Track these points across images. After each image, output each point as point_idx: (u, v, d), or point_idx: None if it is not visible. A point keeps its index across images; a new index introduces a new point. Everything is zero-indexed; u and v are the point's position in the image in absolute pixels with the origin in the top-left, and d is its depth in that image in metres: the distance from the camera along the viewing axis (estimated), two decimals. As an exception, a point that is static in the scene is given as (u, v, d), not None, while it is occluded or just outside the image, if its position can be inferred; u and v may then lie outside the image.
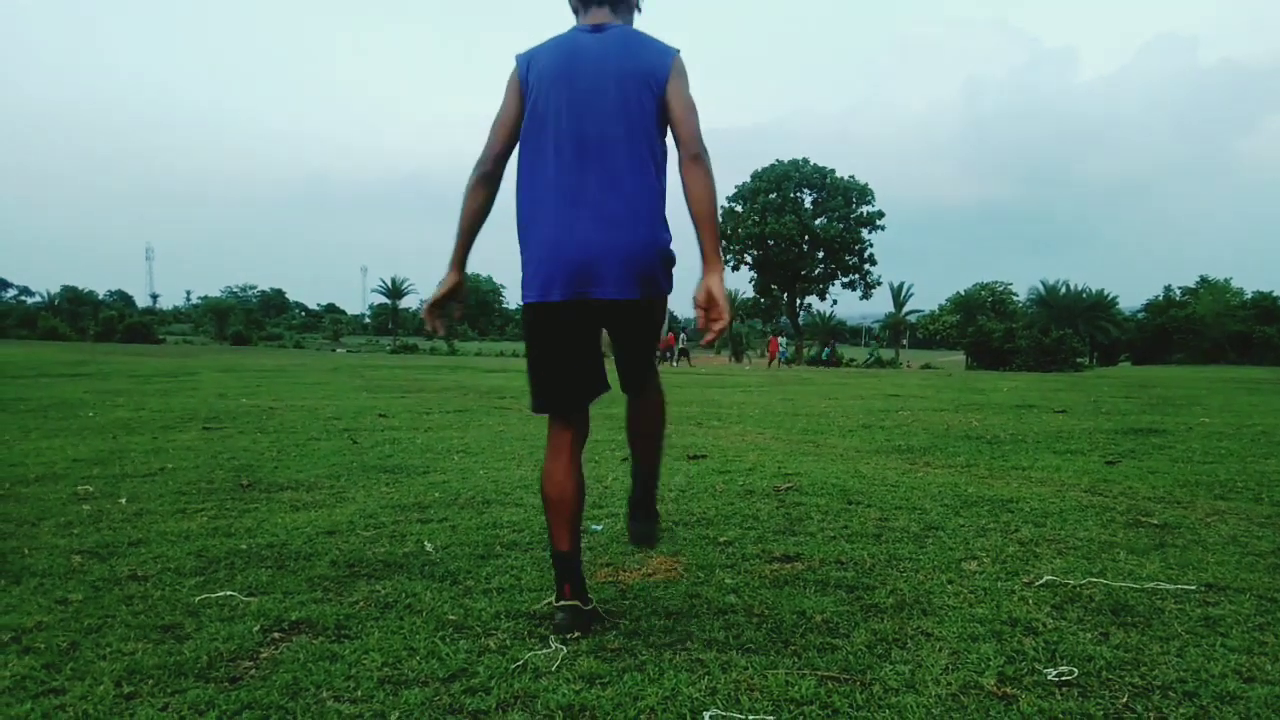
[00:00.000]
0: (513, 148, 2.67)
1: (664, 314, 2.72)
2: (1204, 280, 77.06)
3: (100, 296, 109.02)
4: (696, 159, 2.53)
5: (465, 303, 2.74)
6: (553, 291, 2.53)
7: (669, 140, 2.64)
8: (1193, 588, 2.98)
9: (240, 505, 4.35)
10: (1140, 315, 78.45)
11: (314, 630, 2.55)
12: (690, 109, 2.58)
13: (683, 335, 42.25)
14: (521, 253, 2.63)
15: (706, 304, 2.45)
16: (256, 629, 2.54)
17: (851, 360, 52.60)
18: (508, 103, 2.67)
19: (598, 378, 2.68)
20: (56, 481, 4.94)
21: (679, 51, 2.64)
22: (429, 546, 3.50)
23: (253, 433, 7.44)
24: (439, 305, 2.71)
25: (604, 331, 2.69)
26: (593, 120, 2.55)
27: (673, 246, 2.62)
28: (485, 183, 2.67)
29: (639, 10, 2.80)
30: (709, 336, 2.45)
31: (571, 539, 2.63)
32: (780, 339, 46.81)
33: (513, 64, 2.70)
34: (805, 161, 60.63)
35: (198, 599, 2.82)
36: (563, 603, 2.59)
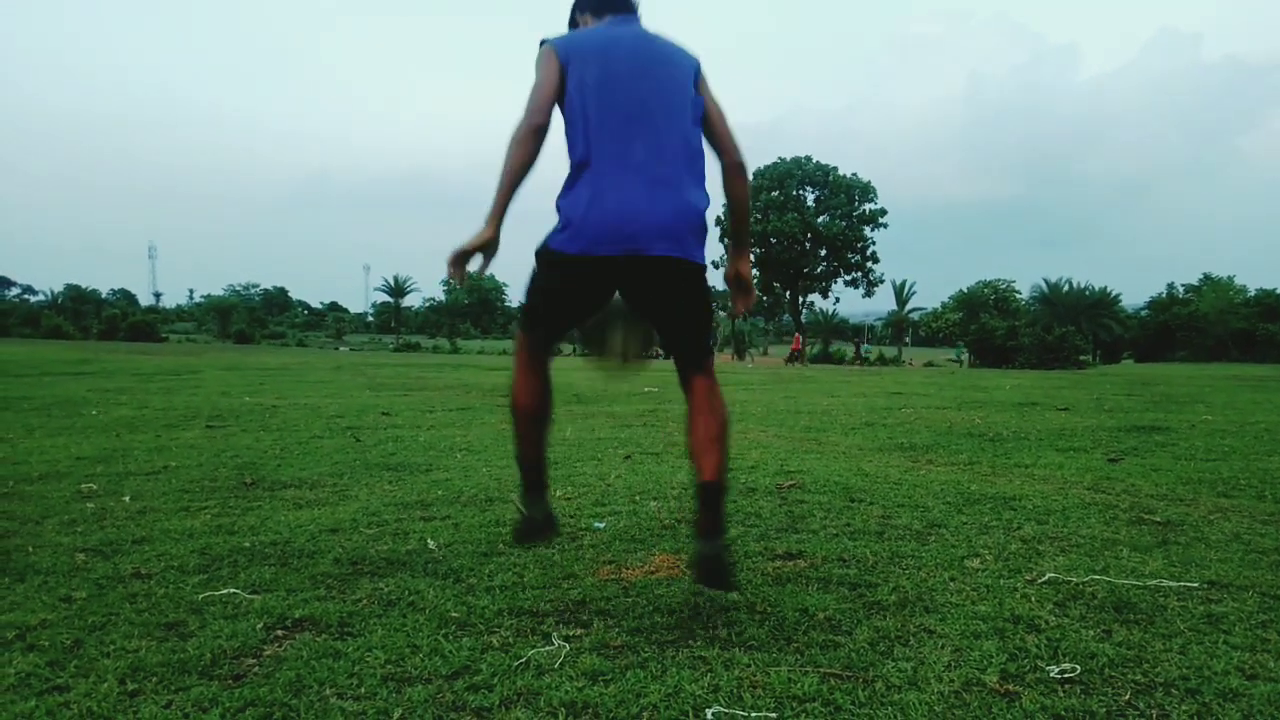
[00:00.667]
0: (554, 103, 2.64)
1: (709, 288, 2.76)
2: (1207, 278, 77.00)
3: (103, 295, 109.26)
4: (740, 167, 2.76)
5: (493, 258, 2.65)
6: (600, 247, 2.55)
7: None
8: (1195, 585, 2.98)
9: (243, 503, 4.36)
10: (1143, 313, 78.42)
11: (317, 628, 2.56)
12: (724, 114, 2.75)
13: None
14: (563, 203, 2.62)
15: (737, 282, 2.78)
16: (260, 626, 2.55)
17: (854, 359, 52.59)
18: (548, 71, 2.63)
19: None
20: (60, 479, 4.95)
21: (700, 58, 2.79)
22: (432, 544, 3.50)
23: (256, 431, 7.45)
24: (465, 256, 2.60)
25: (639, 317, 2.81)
26: (642, 91, 2.62)
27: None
28: (537, 134, 2.59)
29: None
30: (737, 310, 2.75)
31: (542, 447, 2.84)
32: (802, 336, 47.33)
33: (539, 48, 2.70)
34: (808, 159, 60.60)
35: (201, 596, 2.82)
36: (535, 498, 2.83)
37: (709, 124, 2.72)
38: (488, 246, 2.61)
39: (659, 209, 2.56)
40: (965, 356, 47.00)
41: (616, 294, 2.71)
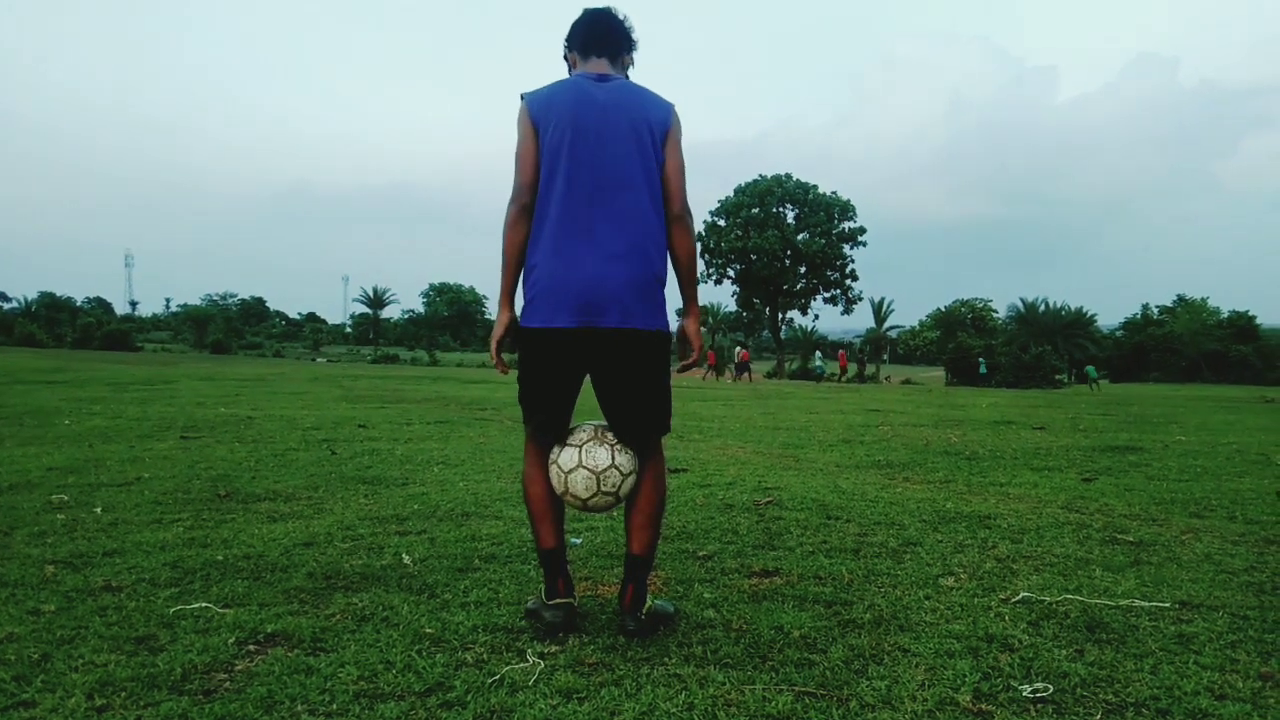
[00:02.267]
0: (539, 178, 2.73)
1: (668, 357, 2.86)
2: (1181, 299, 77.90)
3: (79, 303, 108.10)
4: (681, 220, 2.78)
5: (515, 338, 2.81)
6: (558, 319, 2.65)
7: None
8: (1167, 605, 3.01)
9: (217, 516, 4.32)
10: (1118, 333, 79.17)
11: (290, 643, 2.54)
12: (680, 170, 2.80)
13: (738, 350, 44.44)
14: (524, 279, 2.75)
15: (681, 338, 2.83)
16: (231, 641, 2.52)
17: (833, 375, 52.77)
18: (525, 138, 2.75)
19: (572, 404, 2.80)
20: (31, 490, 4.89)
21: (675, 108, 2.83)
22: (407, 559, 3.48)
23: (230, 442, 7.39)
24: (500, 344, 2.78)
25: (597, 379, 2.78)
26: (603, 162, 2.69)
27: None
28: (525, 214, 2.73)
29: (632, 65, 2.96)
30: (678, 369, 2.87)
31: (558, 536, 2.78)
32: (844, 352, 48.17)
33: (519, 102, 2.80)
34: (788, 177, 60.93)
35: (173, 610, 2.79)
36: (556, 600, 2.69)
37: (663, 178, 2.78)
38: (511, 326, 2.77)
39: (611, 282, 2.64)
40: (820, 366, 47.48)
41: None
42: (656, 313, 2.74)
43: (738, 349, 47.43)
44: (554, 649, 2.53)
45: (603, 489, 2.70)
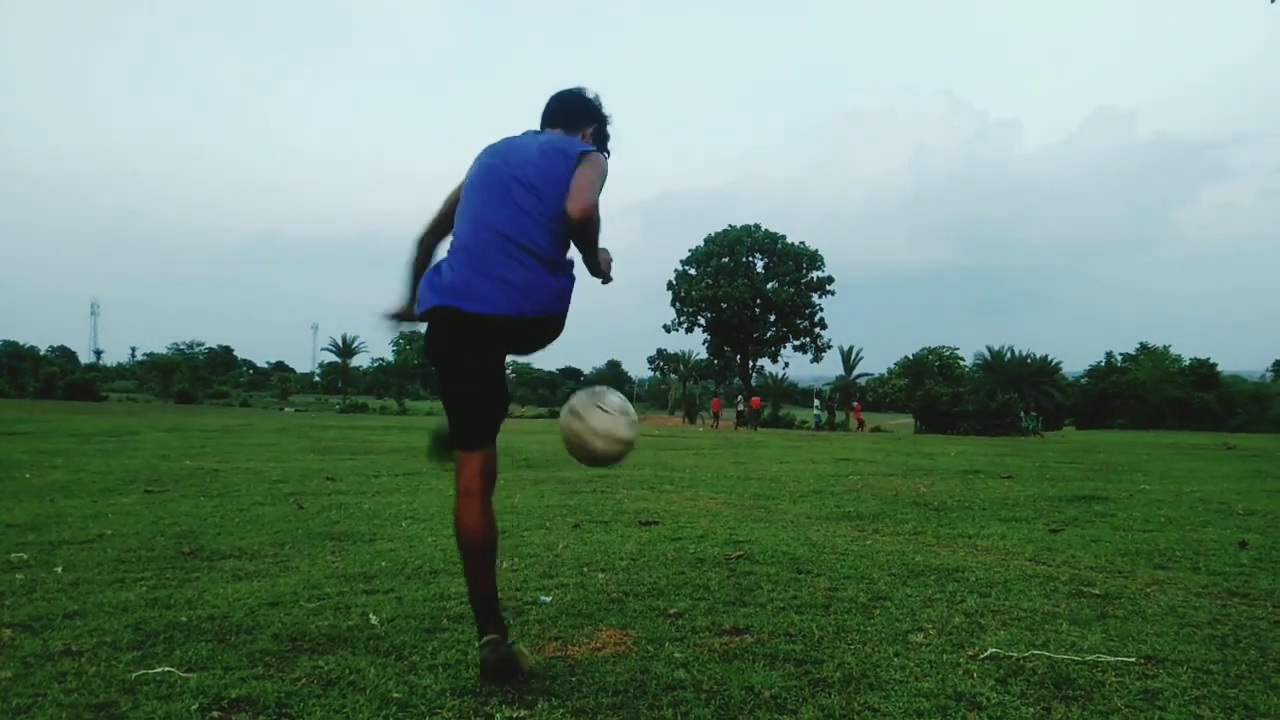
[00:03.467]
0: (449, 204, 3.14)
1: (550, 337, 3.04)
2: (1144, 347, 79.18)
3: (42, 352, 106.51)
4: (575, 203, 2.79)
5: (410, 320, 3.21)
6: (425, 303, 2.90)
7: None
8: (1132, 660, 3.04)
9: (181, 574, 4.26)
10: (1083, 380, 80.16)
11: (254, 709, 2.50)
12: (588, 180, 2.86)
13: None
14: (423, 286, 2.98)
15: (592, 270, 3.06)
16: (195, 707, 2.48)
17: (804, 423, 52.95)
18: (466, 177, 3.10)
19: (498, 406, 2.97)
20: (-11, 549, 4.80)
21: (602, 152, 3.15)
22: (374, 619, 3.44)
23: (196, 497, 7.29)
24: (396, 318, 3.26)
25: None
26: (491, 189, 2.94)
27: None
28: (430, 233, 3.20)
29: (588, 139, 3.21)
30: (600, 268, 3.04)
31: (490, 580, 2.86)
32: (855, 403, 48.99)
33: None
34: (757, 227, 61.64)
35: (134, 675, 2.74)
36: (487, 638, 2.75)
37: (570, 186, 2.86)
38: (405, 310, 3.20)
39: (475, 281, 2.81)
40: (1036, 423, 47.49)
41: None
42: (514, 303, 2.81)
43: (750, 399, 48.08)
44: (523, 712, 2.50)
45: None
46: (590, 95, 3.25)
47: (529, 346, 3.03)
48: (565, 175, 2.88)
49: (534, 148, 2.99)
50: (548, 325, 2.95)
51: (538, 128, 3.22)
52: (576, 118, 3.22)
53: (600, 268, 3.06)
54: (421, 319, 2.96)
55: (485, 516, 2.87)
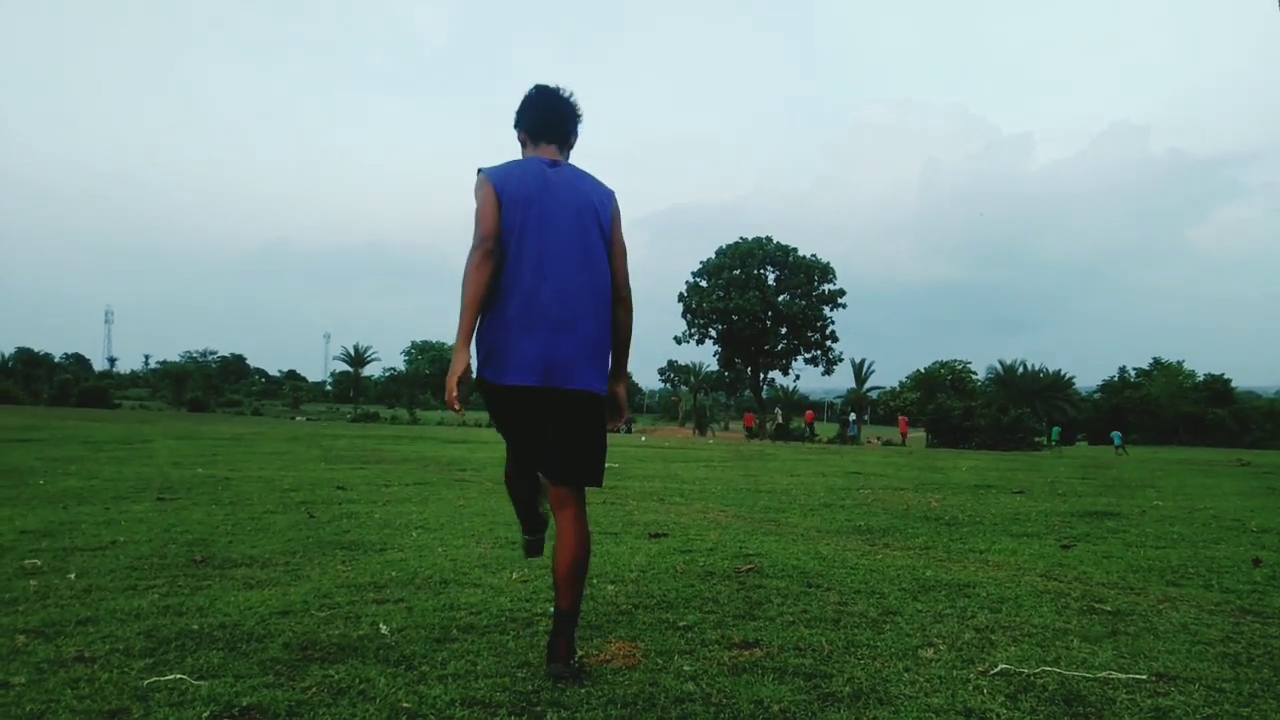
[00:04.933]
0: (500, 230, 2.98)
1: (604, 415, 3.17)
2: (1157, 362, 78.82)
3: (56, 359, 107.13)
4: (624, 301, 3.15)
5: (471, 378, 2.99)
6: (516, 377, 2.95)
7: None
8: (1144, 677, 3.02)
9: (193, 582, 4.28)
10: (1096, 395, 79.83)
11: (265, 716, 2.51)
12: (624, 253, 3.18)
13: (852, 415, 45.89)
14: (480, 342, 3.01)
15: (612, 400, 3.14)
16: (206, 715, 2.50)
17: (798, 431, 52.84)
18: (488, 199, 2.98)
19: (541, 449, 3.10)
20: (2, 555, 4.84)
21: (615, 193, 3.20)
22: (384, 629, 3.45)
23: (207, 504, 7.32)
24: (454, 389, 2.87)
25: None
26: (556, 240, 2.99)
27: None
28: (490, 258, 2.94)
29: (574, 141, 3.27)
30: (611, 425, 3.12)
31: (532, 504, 3.51)
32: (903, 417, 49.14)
33: (476, 175, 3.07)
34: (769, 240, 61.63)
35: (146, 682, 2.76)
36: (530, 529, 3.61)
37: (610, 258, 3.11)
38: (466, 372, 2.90)
39: (559, 348, 2.95)
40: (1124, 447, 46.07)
41: None
42: (598, 376, 3.06)
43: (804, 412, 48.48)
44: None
45: None
46: (567, 94, 3.20)
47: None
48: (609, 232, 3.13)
49: (587, 190, 3.10)
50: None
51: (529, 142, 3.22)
52: (569, 130, 3.23)
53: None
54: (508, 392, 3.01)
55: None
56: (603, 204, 3.11)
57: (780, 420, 52.36)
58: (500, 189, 2.99)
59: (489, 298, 2.95)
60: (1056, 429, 51.18)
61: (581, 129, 3.28)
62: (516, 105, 3.25)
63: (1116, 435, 44.91)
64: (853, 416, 53.03)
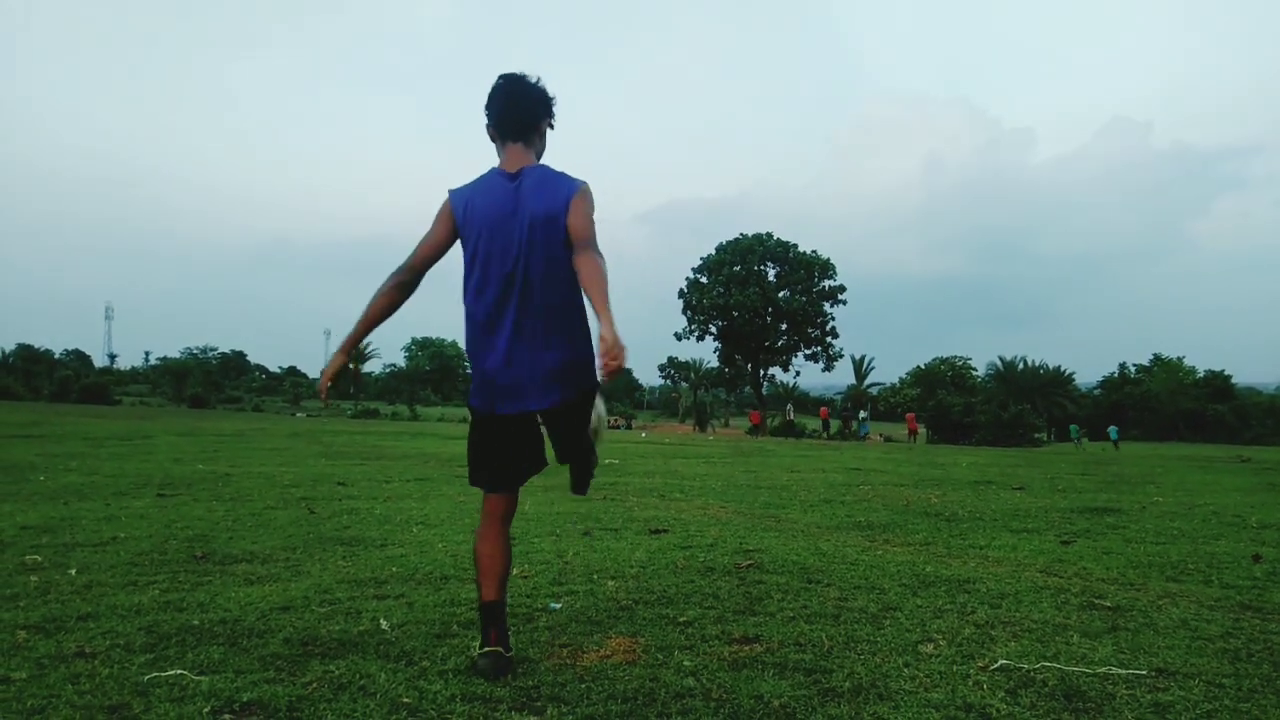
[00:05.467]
0: (431, 265, 3.09)
1: (592, 402, 3.18)
2: (1157, 358, 78.84)
3: (56, 355, 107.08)
4: (585, 248, 2.92)
5: (353, 381, 3.03)
6: (495, 406, 3.03)
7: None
8: (1144, 672, 3.03)
9: (193, 578, 4.28)
10: (1096, 391, 79.85)
11: (265, 712, 2.51)
12: (586, 220, 2.98)
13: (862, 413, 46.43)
14: (470, 364, 3.09)
15: (605, 348, 2.80)
16: (207, 710, 2.50)
17: (814, 432, 52.83)
18: (437, 229, 3.07)
19: (533, 464, 3.17)
20: (3, 550, 4.84)
21: (585, 183, 3.05)
22: (385, 624, 3.46)
23: (208, 500, 7.33)
24: (332, 378, 3.07)
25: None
26: (514, 261, 2.96)
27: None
28: (400, 289, 3.07)
29: (551, 129, 3.18)
30: (605, 375, 2.76)
31: (499, 591, 3.03)
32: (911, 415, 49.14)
33: (445, 197, 3.09)
34: (769, 235, 61.65)
35: (147, 678, 2.76)
36: (487, 649, 2.91)
37: (570, 227, 2.95)
38: (340, 372, 3.07)
39: (535, 369, 2.98)
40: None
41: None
42: (570, 386, 3.04)
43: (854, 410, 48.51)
44: (532, 718, 2.51)
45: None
46: (534, 80, 3.09)
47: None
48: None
49: (548, 197, 3.00)
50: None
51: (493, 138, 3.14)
52: (532, 123, 3.11)
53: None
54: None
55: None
56: (562, 202, 2.98)
57: (791, 416, 52.15)
58: (459, 215, 3.03)
59: (468, 324, 3.05)
60: (1074, 427, 51.18)
61: (556, 112, 3.16)
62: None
63: (1113, 430, 45.04)
64: (862, 414, 52.78)
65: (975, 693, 2.78)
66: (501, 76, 3.09)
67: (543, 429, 3.19)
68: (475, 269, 3.01)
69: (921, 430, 49.66)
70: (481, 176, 3.10)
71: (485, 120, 3.12)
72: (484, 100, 3.10)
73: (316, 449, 15.24)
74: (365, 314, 3.04)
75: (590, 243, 2.94)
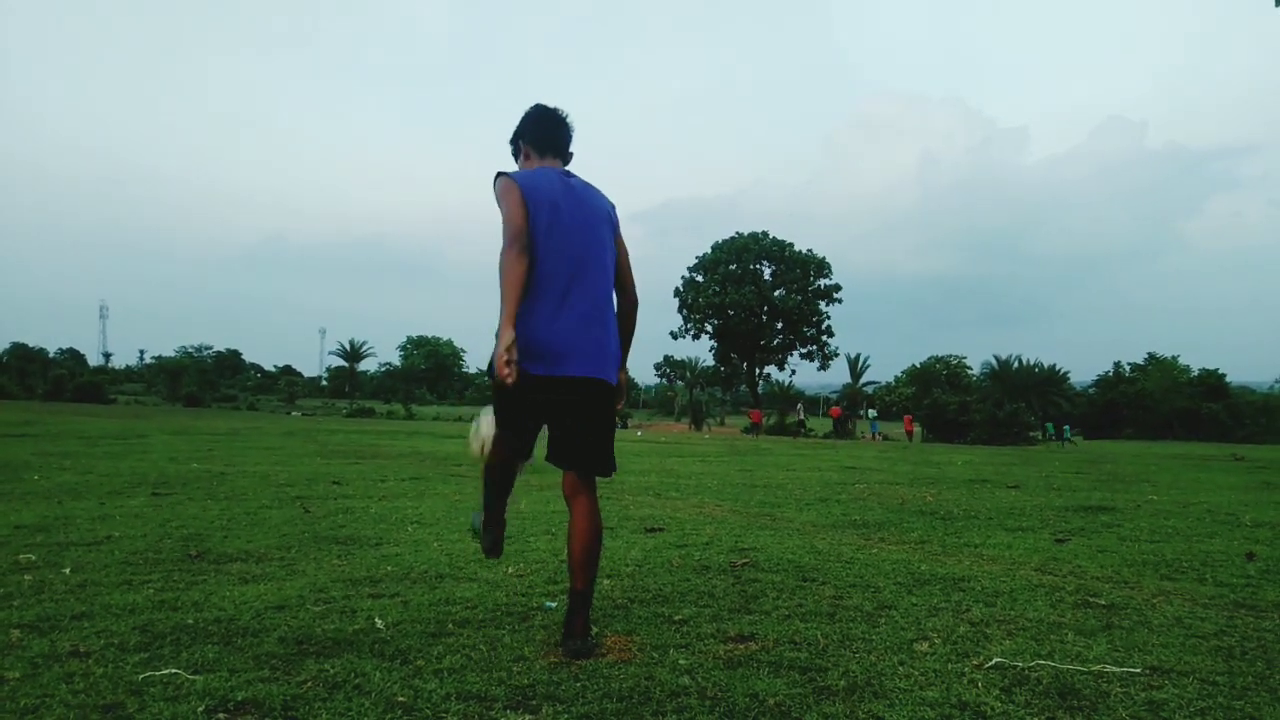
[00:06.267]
0: (530, 228, 3.17)
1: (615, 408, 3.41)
2: (1152, 357, 78.99)
3: (51, 354, 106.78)
4: (634, 305, 3.49)
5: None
6: (539, 367, 3.14)
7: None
8: (1138, 670, 3.03)
9: (188, 577, 4.28)
10: (1091, 390, 80.00)
11: (260, 711, 2.51)
12: (629, 262, 3.48)
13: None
14: (522, 336, 3.11)
15: (622, 389, 3.30)
16: (201, 709, 2.49)
17: (812, 431, 52.86)
18: (515, 202, 3.17)
19: (534, 435, 3.38)
20: (-3, 550, 4.82)
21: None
22: (380, 623, 3.45)
23: (203, 500, 7.32)
24: (506, 357, 3.00)
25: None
26: (582, 245, 3.24)
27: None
28: (525, 254, 3.14)
29: (571, 156, 3.52)
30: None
31: (503, 494, 3.63)
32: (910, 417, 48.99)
33: (496, 180, 3.25)
34: (765, 234, 61.70)
35: (141, 677, 2.76)
36: (490, 528, 3.67)
37: (619, 267, 3.41)
38: (514, 344, 3.04)
39: (585, 340, 3.19)
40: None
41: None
42: (614, 370, 3.31)
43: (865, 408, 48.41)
44: (527, 717, 2.51)
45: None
46: (564, 114, 3.48)
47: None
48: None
49: (598, 198, 3.39)
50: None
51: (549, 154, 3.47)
52: (569, 144, 3.49)
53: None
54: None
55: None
56: (611, 212, 3.41)
57: (801, 416, 52.08)
58: (526, 192, 3.18)
59: (534, 297, 3.17)
60: (1050, 424, 51.12)
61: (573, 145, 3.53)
62: (517, 119, 3.51)
63: (1066, 429, 45.36)
64: (873, 413, 52.67)
65: (970, 691, 2.79)
66: (537, 106, 3.46)
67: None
68: (542, 244, 3.17)
69: (917, 430, 49.69)
70: (538, 169, 3.37)
71: (516, 137, 3.47)
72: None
73: (311, 448, 15.22)
74: (509, 288, 3.06)
75: (633, 285, 3.48)
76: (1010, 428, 44.83)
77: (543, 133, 3.43)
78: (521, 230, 3.14)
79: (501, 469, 3.51)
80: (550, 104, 3.49)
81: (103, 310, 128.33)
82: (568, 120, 3.47)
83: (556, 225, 3.20)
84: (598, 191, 3.42)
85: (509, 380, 2.97)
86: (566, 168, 3.46)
